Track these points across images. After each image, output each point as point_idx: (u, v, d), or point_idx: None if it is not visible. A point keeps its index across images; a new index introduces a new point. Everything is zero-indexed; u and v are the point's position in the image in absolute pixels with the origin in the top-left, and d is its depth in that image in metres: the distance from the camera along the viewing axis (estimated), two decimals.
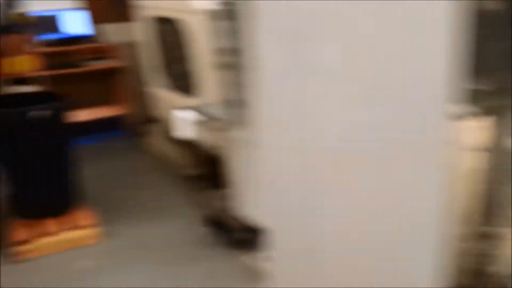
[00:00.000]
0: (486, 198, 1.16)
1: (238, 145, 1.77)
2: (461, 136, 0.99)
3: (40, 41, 4.12)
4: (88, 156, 3.59)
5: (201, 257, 2.76)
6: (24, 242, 2.80)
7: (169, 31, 3.31)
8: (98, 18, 4.60)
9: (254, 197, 1.79)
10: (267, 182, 1.69)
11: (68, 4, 4.51)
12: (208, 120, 2.58)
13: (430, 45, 0.95)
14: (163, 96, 3.82)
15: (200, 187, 3.43)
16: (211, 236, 2.93)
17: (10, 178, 2.86)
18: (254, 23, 1.46)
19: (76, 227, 2.93)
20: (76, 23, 4.52)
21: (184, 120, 2.66)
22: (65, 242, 2.89)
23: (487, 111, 1.04)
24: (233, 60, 1.59)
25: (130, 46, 4.46)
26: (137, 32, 4.01)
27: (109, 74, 4.72)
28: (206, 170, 3.34)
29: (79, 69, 4.50)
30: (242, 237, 2.75)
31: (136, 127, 4.69)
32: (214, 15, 1.66)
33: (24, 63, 2.74)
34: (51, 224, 2.91)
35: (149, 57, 3.89)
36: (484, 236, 1.18)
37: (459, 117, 0.94)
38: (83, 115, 4.36)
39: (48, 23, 4.39)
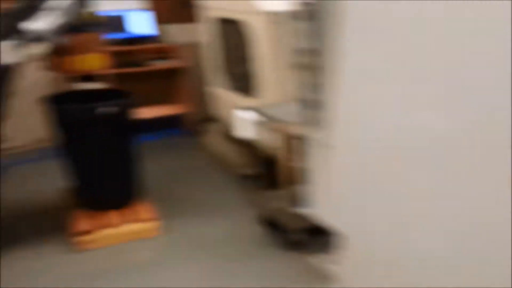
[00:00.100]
0: None
1: (312, 146, 1.77)
2: None
3: (108, 40, 4.27)
4: (149, 152, 3.67)
5: (256, 255, 2.77)
6: (86, 232, 2.88)
7: (232, 32, 3.35)
8: (162, 19, 4.72)
9: (326, 198, 1.78)
10: (342, 184, 1.67)
11: (133, 5, 4.66)
12: (267, 121, 2.60)
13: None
14: (223, 96, 3.87)
15: (257, 187, 3.46)
16: (266, 235, 2.95)
17: (76, 171, 2.95)
18: (339, 24, 1.45)
19: (137, 220, 3.00)
20: (141, 23, 4.67)
21: (244, 120, 2.69)
22: (126, 234, 2.96)
23: None
24: (311, 61, 1.59)
25: (193, 47, 4.54)
26: (200, 33, 4.09)
27: (172, 73, 4.84)
28: (263, 170, 3.36)
29: (143, 68, 4.64)
30: (297, 238, 2.76)
31: (196, 126, 4.78)
32: (294, 15, 1.67)
33: (94, 61, 2.84)
34: (113, 216, 2.99)
35: (211, 58, 3.95)
36: None
37: None
38: (145, 112, 4.47)
39: (115, 23, 4.56)
